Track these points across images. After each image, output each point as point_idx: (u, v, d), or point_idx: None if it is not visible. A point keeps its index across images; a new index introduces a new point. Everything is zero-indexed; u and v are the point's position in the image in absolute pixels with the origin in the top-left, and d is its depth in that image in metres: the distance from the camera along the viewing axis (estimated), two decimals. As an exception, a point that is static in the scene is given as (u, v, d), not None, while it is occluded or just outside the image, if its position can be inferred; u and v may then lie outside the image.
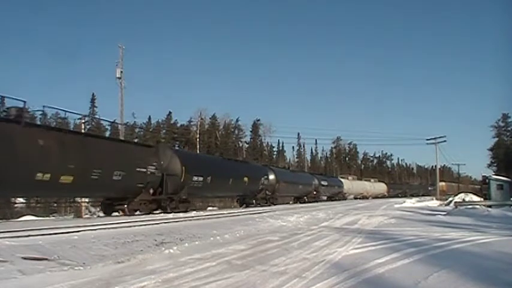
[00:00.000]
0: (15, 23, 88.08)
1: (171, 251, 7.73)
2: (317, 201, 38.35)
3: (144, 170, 17.15)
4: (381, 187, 69.69)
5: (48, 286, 4.87)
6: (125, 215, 16.39)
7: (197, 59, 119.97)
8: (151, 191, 17.91)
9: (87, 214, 25.20)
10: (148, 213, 17.24)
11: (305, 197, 38.34)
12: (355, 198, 54.66)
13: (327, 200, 43.90)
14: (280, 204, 32.46)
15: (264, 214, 17.81)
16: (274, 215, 17.65)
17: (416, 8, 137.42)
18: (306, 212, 20.13)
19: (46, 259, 6.34)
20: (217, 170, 23.29)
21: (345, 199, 49.17)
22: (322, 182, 42.76)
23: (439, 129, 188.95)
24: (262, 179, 28.53)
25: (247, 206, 27.06)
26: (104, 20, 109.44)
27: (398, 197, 66.42)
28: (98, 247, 7.58)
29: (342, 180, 53.11)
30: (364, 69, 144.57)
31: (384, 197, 65.15)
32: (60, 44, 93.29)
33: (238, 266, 6.31)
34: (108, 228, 10.53)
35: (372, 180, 69.32)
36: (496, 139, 61.09)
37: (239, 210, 22.34)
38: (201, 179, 20.81)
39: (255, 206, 26.78)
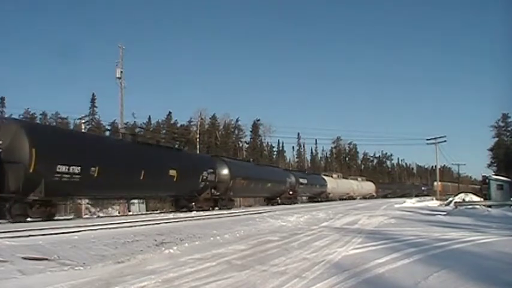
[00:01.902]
0: (15, 23, 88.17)
1: (171, 251, 7.73)
2: (294, 203, 33.30)
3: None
4: (369, 187, 63.79)
5: (48, 286, 4.87)
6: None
7: (197, 59, 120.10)
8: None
9: (87, 214, 25.22)
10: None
11: (278, 198, 32.61)
12: (341, 199, 48.22)
13: (307, 201, 39.78)
14: (238, 207, 28.91)
15: (264, 214, 17.85)
16: (274, 215, 17.68)
17: (417, 8, 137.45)
18: (306, 212, 20.14)
19: (46, 259, 6.34)
20: (110, 157, 15.96)
21: (328, 200, 43.13)
22: (301, 180, 36.91)
23: (439, 129, 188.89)
24: (205, 173, 21.86)
25: (189, 210, 20.45)
26: (104, 20, 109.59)
27: (387, 197, 63.48)
28: (98, 247, 7.58)
29: (326, 178, 46.41)
30: (364, 69, 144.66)
31: (372, 197, 60.56)
32: (60, 44, 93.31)
33: (238, 266, 6.31)
34: (108, 228, 10.53)
35: (359, 179, 63.11)
36: (496, 139, 61.11)
37: (239, 210, 22.29)
38: (75, 170, 13.94)
39: (197, 211, 19.95)
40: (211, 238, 9.72)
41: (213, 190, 23.12)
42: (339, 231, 11.54)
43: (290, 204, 31.84)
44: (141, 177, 16.97)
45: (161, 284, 5.06)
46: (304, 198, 39.76)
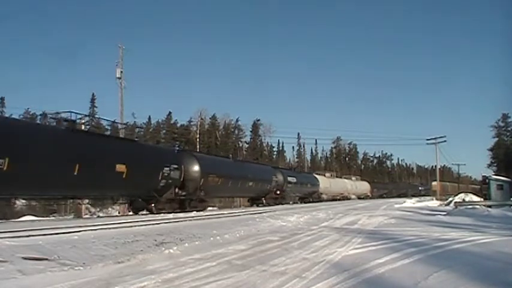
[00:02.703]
0: (15, 23, 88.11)
1: (171, 251, 7.73)
2: (282, 204, 30.68)
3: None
4: (364, 186, 60.92)
5: (48, 286, 4.87)
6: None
7: (197, 59, 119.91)
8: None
9: (87, 214, 25.21)
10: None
11: (262, 198, 29.95)
12: (334, 199, 45.51)
13: (298, 202, 37.02)
14: (210, 209, 25.10)
15: (264, 214, 17.85)
16: (274, 215, 17.69)
17: (417, 8, 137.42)
18: (306, 212, 20.15)
19: (46, 259, 6.34)
20: (28, 146, 12.60)
21: (321, 200, 40.63)
22: (290, 179, 34.08)
23: (439, 129, 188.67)
24: (167, 169, 18.73)
25: (151, 213, 18.14)
26: (104, 20, 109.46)
27: (383, 197, 62.07)
28: (98, 247, 7.59)
29: (318, 177, 43.78)
30: (364, 69, 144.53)
31: (366, 197, 57.95)
32: (61, 44, 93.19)
33: (238, 266, 6.31)
34: (108, 228, 10.54)
35: (354, 178, 60.08)
36: (496, 139, 61.03)
37: (239, 210, 22.28)
38: None
39: (157, 213, 17.68)
40: (211, 238, 9.72)
41: (178, 189, 19.76)
42: (339, 231, 11.55)
43: (277, 205, 29.19)
44: (75, 172, 13.55)
45: (161, 284, 5.06)
46: (294, 198, 36.88)
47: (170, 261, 6.70)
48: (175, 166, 19.46)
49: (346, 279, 5.20)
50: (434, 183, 72.02)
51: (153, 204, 18.65)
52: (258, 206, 28.50)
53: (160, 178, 18.37)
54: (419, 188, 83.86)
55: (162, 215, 16.75)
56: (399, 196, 65.49)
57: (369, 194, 60.83)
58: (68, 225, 10.66)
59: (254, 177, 27.85)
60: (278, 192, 31.36)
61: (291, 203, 33.72)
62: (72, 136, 14.69)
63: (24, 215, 18.48)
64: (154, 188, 18.21)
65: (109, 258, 6.85)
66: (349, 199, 49.52)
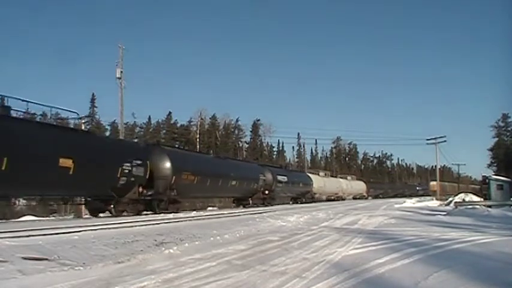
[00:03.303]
0: (15, 23, 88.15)
1: (171, 251, 7.73)
2: (271, 204, 28.69)
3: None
4: (360, 186, 58.78)
5: (48, 286, 4.87)
6: None
7: (197, 59, 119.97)
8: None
9: (87, 214, 25.19)
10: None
11: (249, 199, 27.87)
12: (328, 199, 43.77)
13: (290, 203, 35.01)
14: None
15: (264, 214, 17.85)
16: (274, 215, 17.69)
17: (417, 8, 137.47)
18: (306, 212, 20.15)
19: (46, 259, 6.34)
20: None
21: (315, 201, 38.78)
22: (279, 178, 31.71)
23: (439, 129, 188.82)
24: (128, 165, 16.36)
25: (113, 216, 16.07)
26: (104, 20, 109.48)
27: (379, 197, 60.85)
28: (98, 247, 7.58)
29: (311, 176, 41.63)
30: (364, 69, 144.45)
31: (362, 197, 56.05)
32: (60, 44, 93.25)
33: (238, 266, 6.31)
34: (109, 228, 10.53)
35: (349, 177, 58.00)
36: (496, 139, 61.03)
37: (240, 210, 22.23)
38: None
39: (117, 216, 15.88)
40: (211, 238, 9.72)
41: (143, 189, 17.44)
42: (339, 231, 11.55)
43: (266, 206, 27.30)
44: (2, 167, 11.51)
45: (161, 284, 5.06)
46: (285, 199, 34.93)
47: (170, 261, 6.70)
48: (139, 162, 17.04)
49: (346, 279, 5.20)
50: (432, 183, 71.65)
51: (112, 206, 16.53)
52: (244, 207, 26.39)
53: (119, 175, 15.91)
54: (417, 188, 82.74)
55: (162, 214, 16.71)
56: (396, 196, 64.53)
57: (365, 194, 59.03)
58: (68, 225, 10.66)
59: (238, 176, 25.25)
60: (267, 192, 29.15)
61: (286, 203, 31.86)
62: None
63: (24, 215, 18.46)
64: (112, 186, 15.78)
65: (109, 258, 6.85)
66: (344, 199, 47.74)
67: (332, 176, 52.50)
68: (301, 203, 34.66)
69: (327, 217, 17.82)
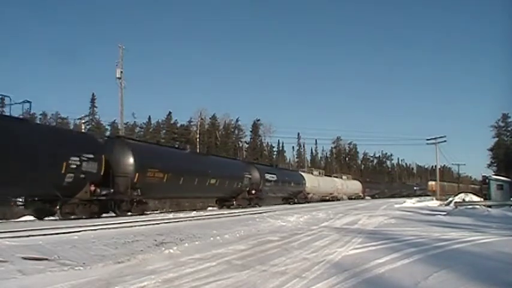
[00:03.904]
0: (15, 23, 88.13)
1: (171, 251, 7.73)
2: (259, 205, 26.79)
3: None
4: (356, 186, 56.64)
5: (48, 286, 4.87)
6: None
7: (197, 59, 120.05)
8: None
9: (26, 216, 25.00)
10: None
11: (233, 199, 25.72)
12: (323, 199, 41.99)
13: (281, 203, 33.17)
14: (210, 209, 23.72)
15: (264, 214, 17.85)
16: (274, 215, 17.69)
17: (417, 8, 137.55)
18: (306, 212, 20.15)
19: (46, 259, 6.34)
20: None
21: (308, 201, 36.71)
22: (268, 176, 29.49)
23: (439, 129, 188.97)
24: (74, 160, 14.06)
25: (75, 218, 14.21)
26: (104, 20, 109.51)
27: (375, 198, 59.78)
28: (98, 247, 7.58)
29: (304, 175, 39.48)
30: (364, 69, 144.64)
31: (358, 198, 54.13)
32: (61, 44, 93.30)
33: (238, 266, 6.31)
34: (109, 228, 10.54)
35: (344, 177, 55.51)
36: (496, 139, 61.04)
37: (240, 210, 22.18)
38: None
39: (64, 219, 14.06)
40: (211, 238, 9.71)
41: (95, 188, 15.08)
42: (339, 231, 11.54)
43: (253, 207, 25.52)
44: None
45: (161, 284, 5.06)
46: (275, 199, 32.79)
47: (170, 261, 6.70)
48: (90, 156, 14.67)
49: (346, 279, 5.20)
50: (430, 182, 71.38)
51: (58, 207, 14.55)
52: (229, 207, 24.46)
53: (63, 171, 13.59)
54: (415, 188, 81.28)
55: (162, 214, 16.68)
56: (393, 196, 63.45)
57: (360, 194, 57.08)
58: (68, 225, 10.66)
59: (218, 174, 22.83)
60: (253, 192, 26.90)
61: (260, 205, 27.98)
62: None
63: (24, 215, 18.45)
64: (57, 185, 13.49)
65: (109, 258, 6.85)
66: (339, 200, 45.79)
67: (327, 175, 50.10)
68: (293, 204, 32.85)
69: (326, 217, 17.82)
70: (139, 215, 16.37)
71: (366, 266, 6.13)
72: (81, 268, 6.03)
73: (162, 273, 5.66)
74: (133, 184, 16.67)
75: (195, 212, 18.80)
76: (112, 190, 15.82)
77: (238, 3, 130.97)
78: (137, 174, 16.69)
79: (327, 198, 44.13)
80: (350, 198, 50.53)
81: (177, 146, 40.23)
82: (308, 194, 38.26)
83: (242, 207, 24.41)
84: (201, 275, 5.56)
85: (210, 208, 26.72)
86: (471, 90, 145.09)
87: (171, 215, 16.31)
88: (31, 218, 17.06)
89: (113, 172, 16.01)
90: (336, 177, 52.53)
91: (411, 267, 6.12)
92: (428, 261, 6.66)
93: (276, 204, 30.90)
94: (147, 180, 17.30)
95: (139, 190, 17.02)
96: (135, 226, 11.26)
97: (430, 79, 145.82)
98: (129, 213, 16.40)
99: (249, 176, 26.72)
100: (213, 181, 22.32)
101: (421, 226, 13.50)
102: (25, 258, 6.19)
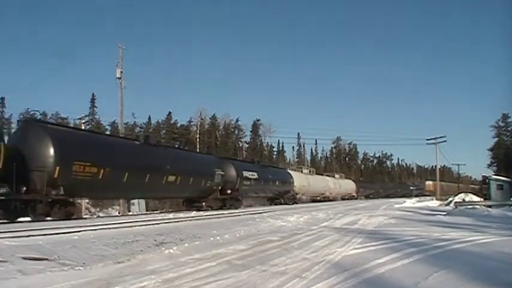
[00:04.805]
0: (15, 23, 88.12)
1: (171, 251, 7.73)
2: (235, 207, 23.56)
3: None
4: (349, 186, 53.17)
5: (48, 286, 4.87)
6: None
7: (197, 59, 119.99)
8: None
9: (87, 214, 25.22)
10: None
11: (202, 201, 22.10)
12: (314, 200, 39.30)
13: (266, 204, 30.48)
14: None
15: (264, 214, 17.83)
16: (274, 215, 17.66)
17: (416, 8, 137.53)
18: (306, 212, 20.14)
19: (46, 259, 6.34)
20: None
21: (297, 202, 33.69)
22: (247, 174, 26.06)
23: (439, 129, 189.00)
24: None
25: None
26: (104, 20, 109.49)
27: (369, 198, 57.69)
28: (98, 247, 7.58)
29: (292, 173, 35.92)
30: (365, 70, 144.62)
31: (352, 198, 51.09)
32: (61, 44, 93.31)
33: (238, 266, 6.31)
34: (108, 228, 10.54)
35: (337, 176, 51.89)
36: (496, 139, 61.06)
37: (239, 211, 22.10)
38: None
39: None
40: (211, 238, 9.71)
41: None
42: (339, 231, 11.54)
43: (228, 209, 22.21)
44: None
45: (161, 284, 5.06)
46: (258, 200, 30.05)
47: (170, 261, 6.70)
48: None
49: (346, 279, 5.20)
50: (428, 182, 71.16)
51: None
52: (199, 210, 20.63)
53: None
54: (411, 188, 78.17)
55: (162, 214, 16.59)
56: (388, 197, 62.25)
57: (354, 194, 54.02)
58: (68, 225, 10.65)
59: (180, 170, 19.30)
60: (229, 191, 23.78)
61: (237, 207, 24.27)
62: None
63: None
64: None
65: (109, 258, 6.85)
66: (331, 200, 42.57)
67: (318, 174, 47.10)
68: (279, 204, 30.05)
69: (326, 217, 17.81)
70: (64, 220, 13.02)
71: (366, 266, 6.13)
72: (81, 268, 6.03)
73: (162, 273, 5.67)
74: (53, 181, 13.32)
75: (194, 212, 18.77)
76: (8, 189, 12.34)
77: (239, 3, 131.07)
78: (58, 168, 13.30)
79: (318, 198, 41.20)
80: (343, 199, 47.52)
81: (176, 146, 37.71)
82: (297, 194, 35.20)
83: (213, 209, 21.20)
84: (201, 275, 5.56)
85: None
86: (471, 90, 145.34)
87: (171, 215, 16.29)
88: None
89: (26, 165, 13.04)
90: (329, 175, 49.13)
91: (411, 267, 6.12)
92: (428, 261, 6.66)
93: (259, 206, 28.52)
94: (74, 176, 13.89)
95: (61, 188, 13.59)
96: (135, 226, 11.27)
97: (430, 79, 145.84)
98: (49, 218, 13.27)
99: (222, 173, 23.10)
100: (171, 178, 18.59)
101: (421, 226, 13.50)
102: (25, 258, 6.19)
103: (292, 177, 34.76)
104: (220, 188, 23.12)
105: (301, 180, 36.85)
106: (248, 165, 28.71)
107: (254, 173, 27.15)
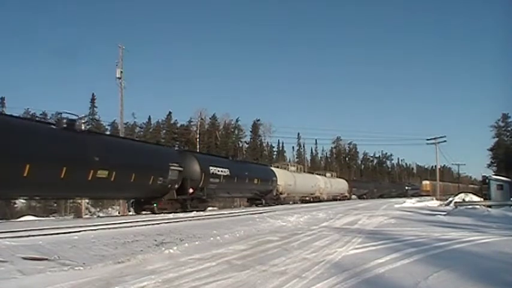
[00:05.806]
0: (15, 23, 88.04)
1: (171, 251, 7.73)
2: (199, 209, 20.00)
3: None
4: (341, 185, 50.00)
5: (48, 286, 4.87)
6: None
7: (197, 59, 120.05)
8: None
9: (87, 214, 25.23)
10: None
11: (154, 204, 18.37)
12: (303, 200, 36.62)
13: (246, 205, 28.00)
14: (210, 209, 19.91)
15: (264, 214, 17.83)
16: (274, 215, 17.66)
17: (416, 8, 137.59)
18: (306, 212, 20.13)
19: (46, 259, 6.34)
20: None
21: (282, 203, 30.75)
22: (215, 170, 22.18)
23: (439, 129, 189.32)
24: None
25: None
26: (104, 20, 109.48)
27: (363, 198, 55.92)
28: (98, 247, 7.58)
29: (275, 170, 31.96)
30: (364, 70, 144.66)
31: (344, 198, 48.36)
32: (61, 44, 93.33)
33: (238, 266, 6.31)
34: (108, 228, 10.53)
35: (328, 174, 48.88)
36: (496, 139, 61.10)
37: (240, 210, 22.09)
38: None
39: None
40: (211, 238, 9.71)
41: None
42: (339, 231, 11.54)
43: (191, 211, 18.80)
44: None
45: (161, 284, 5.06)
46: (230, 200, 27.11)
47: (170, 261, 6.70)
48: None
49: (346, 279, 5.20)
50: (424, 182, 70.97)
51: None
52: (154, 213, 17.85)
53: None
54: (406, 188, 76.95)
55: (162, 214, 16.60)
56: (381, 197, 61.31)
57: (346, 194, 50.93)
58: (68, 225, 10.66)
59: (115, 164, 15.36)
60: (191, 191, 20.06)
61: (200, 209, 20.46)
62: None
63: (24, 215, 18.46)
64: None
65: (109, 258, 6.84)
66: (322, 201, 39.39)
67: (309, 172, 44.40)
68: (260, 206, 27.22)
69: (326, 217, 17.80)
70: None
71: (366, 266, 6.13)
72: (81, 268, 6.02)
73: (162, 273, 5.67)
74: None
75: (194, 212, 18.74)
76: None
77: (239, 4, 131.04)
78: None
79: (307, 199, 38.07)
80: (334, 199, 44.06)
81: (176, 146, 32.88)
82: (281, 194, 31.65)
83: (169, 212, 17.92)
84: (201, 275, 5.56)
85: (209, 208, 26.41)
86: (471, 90, 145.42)
87: (171, 215, 16.28)
88: (31, 218, 17.10)
89: None
90: (319, 174, 46.01)
91: (411, 267, 6.12)
92: (428, 261, 6.66)
93: (233, 208, 25.21)
94: None
95: None
96: (135, 226, 11.26)
97: (430, 79, 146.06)
98: None
99: (179, 169, 19.04)
100: (102, 173, 14.64)
101: (421, 226, 13.49)
102: (25, 258, 6.19)
103: (275, 175, 30.86)
104: (177, 186, 19.17)
105: (287, 179, 33.23)
106: (217, 160, 24.51)
107: (225, 170, 23.12)
